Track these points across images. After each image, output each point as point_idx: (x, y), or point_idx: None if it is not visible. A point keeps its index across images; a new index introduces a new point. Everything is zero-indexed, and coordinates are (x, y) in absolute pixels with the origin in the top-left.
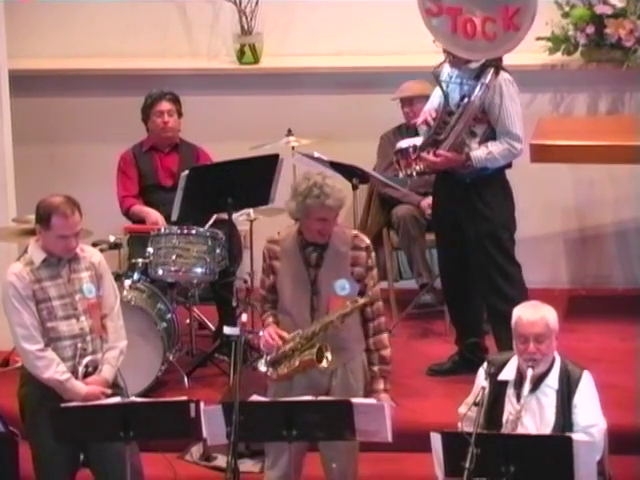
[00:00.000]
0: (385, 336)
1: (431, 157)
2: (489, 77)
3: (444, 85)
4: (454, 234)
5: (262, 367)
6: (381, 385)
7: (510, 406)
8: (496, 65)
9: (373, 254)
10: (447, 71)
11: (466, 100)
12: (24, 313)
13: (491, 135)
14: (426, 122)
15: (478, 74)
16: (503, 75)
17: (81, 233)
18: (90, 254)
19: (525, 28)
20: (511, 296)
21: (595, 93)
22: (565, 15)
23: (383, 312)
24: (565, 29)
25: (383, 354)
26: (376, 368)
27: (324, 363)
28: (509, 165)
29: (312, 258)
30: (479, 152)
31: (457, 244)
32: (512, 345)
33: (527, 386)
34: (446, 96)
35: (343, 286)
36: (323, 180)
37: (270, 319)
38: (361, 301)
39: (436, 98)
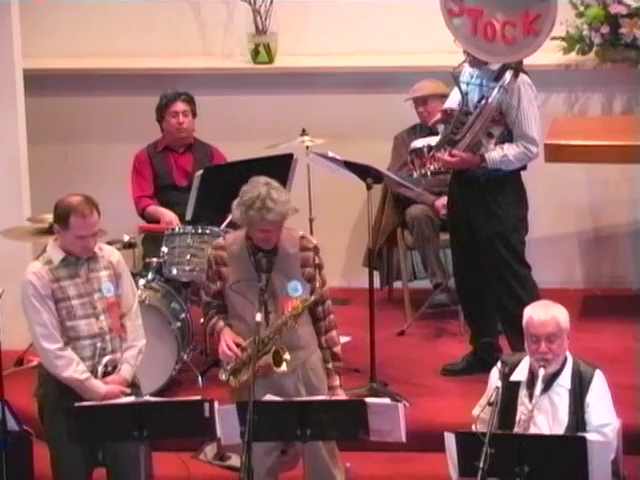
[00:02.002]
0: (335, 333)
1: (446, 157)
2: (507, 79)
3: (464, 86)
4: (467, 233)
5: (223, 376)
6: (337, 381)
7: (523, 407)
8: (515, 67)
9: (320, 254)
10: (468, 71)
11: (484, 102)
12: (43, 312)
13: (508, 137)
14: (445, 113)
15: (497, 76)
16: (522, 78)
17: (99, 233)
18: (108, 253)
19: (544, 34)
20: (522, 297)
21: (610, 93)
22: (580, 15)
23: (332, 310)
24: (580, 29)
25: (335, 351)
26: (330, 365)
27: (283, 367)
28: (524, 167)
29: (263, 263)
30: (494, 154)
31: (470, 243)
32: (524, 345)
33: (539, 386)
34: (464, 97)
35: (295, 287)
36: (267, 192)
37: (221, 323)
38: (311, 299)
39: (455, 97)
